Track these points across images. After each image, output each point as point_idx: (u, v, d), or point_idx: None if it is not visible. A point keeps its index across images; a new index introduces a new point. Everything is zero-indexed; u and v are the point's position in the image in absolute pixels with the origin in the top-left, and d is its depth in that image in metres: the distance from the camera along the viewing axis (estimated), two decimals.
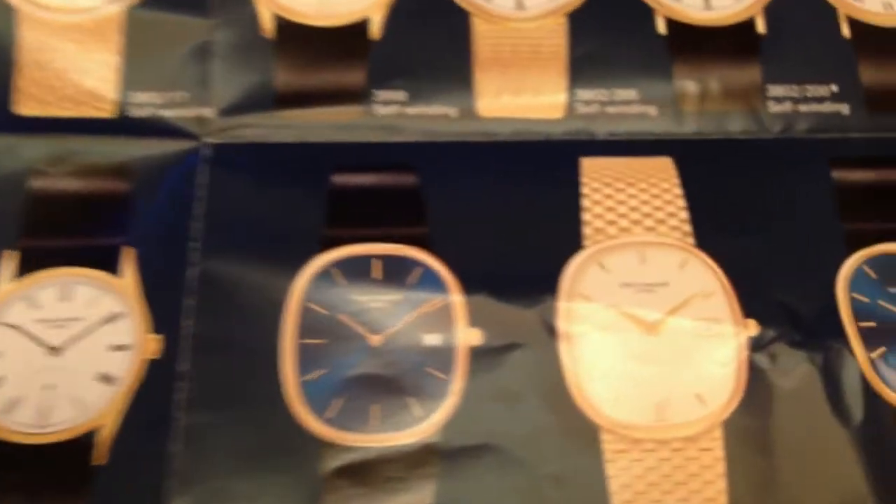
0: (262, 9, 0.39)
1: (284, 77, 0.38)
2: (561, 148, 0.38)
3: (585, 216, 0.36)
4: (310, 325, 0.34)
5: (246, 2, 0.39)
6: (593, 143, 0.38)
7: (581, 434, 0.32)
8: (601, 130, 0.38)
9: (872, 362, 0.33)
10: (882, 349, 0.33)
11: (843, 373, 0.33)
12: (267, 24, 0.39)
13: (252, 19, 0.39)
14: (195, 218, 0.36)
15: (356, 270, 0.35)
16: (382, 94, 0.38)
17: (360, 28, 0.39)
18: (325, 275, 0.34)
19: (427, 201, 0.36)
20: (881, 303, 0.34)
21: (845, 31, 0.39)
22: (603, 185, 0.37)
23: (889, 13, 0.40)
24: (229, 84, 0.38)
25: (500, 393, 0.33)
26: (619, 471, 0.32)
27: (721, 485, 0.32)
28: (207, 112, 0.38)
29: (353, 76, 0.38)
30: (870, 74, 0.39)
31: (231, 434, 0.32)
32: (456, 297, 0.34)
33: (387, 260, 0.35)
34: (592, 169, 0.37)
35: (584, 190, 0.36)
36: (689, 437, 0.32)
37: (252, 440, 0.32)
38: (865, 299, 0.34)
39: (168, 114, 0.38)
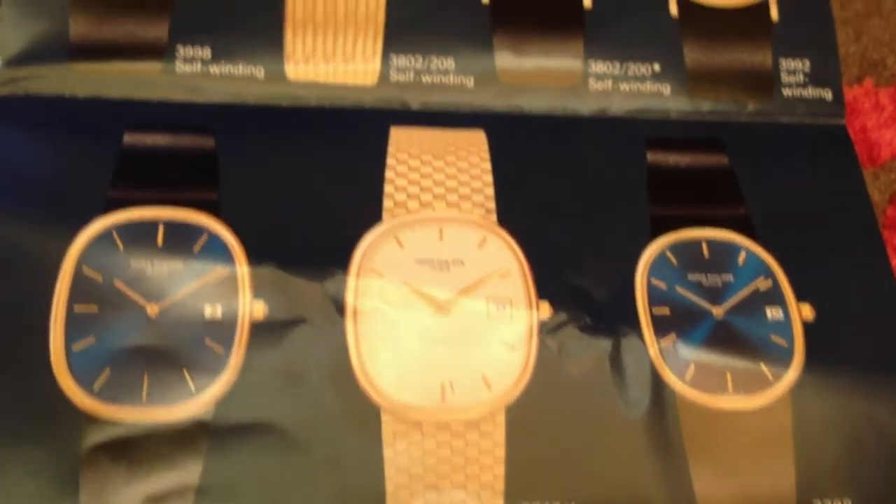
0: None
1: (80, 26, 0.36)
2: (371, 117, 0.36)
3: (387, 188, 0.34)
4: (83, 290, 0.32)
5: None
6: (406, 113, 0.36)
7: (361, 415, 0.31)
8: (415, 100, 0.37)
9: (661, 350, 0.32)
10: (672, 336, 0.32)
11: (631, 360, 0.32)
12: None
13: None
14: None
15: (138, 235, 0.33)
16: (185, 51, 0.36)
17: None
18: (104, 238, 0.32)
19: (222, 166, 0.34)
20: (679, 289, 0.33)
21: (673, 9, 0.39)
22: (410, 156, 0.35)
23: None
24: (17, 31, 0.35)
25: (281, 370, 0.31)
26: (397, 454, 0.31)
27: (499, 470, 0.31)
28: None
29: (155, 29, 0.36)
30: (693, 55, 0.38)
31: None
32: (241, 268, 0.32)
33: (171, 225, 0.33)
34: (401, 139, 0.36)
35: (390, 161, 0.35)
36: (470, 420, 0.31)
37: (11, 409, 0.30)
38: (663, 285, 0.33)
39: None
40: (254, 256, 0.33)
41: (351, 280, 0.33)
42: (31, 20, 0.36)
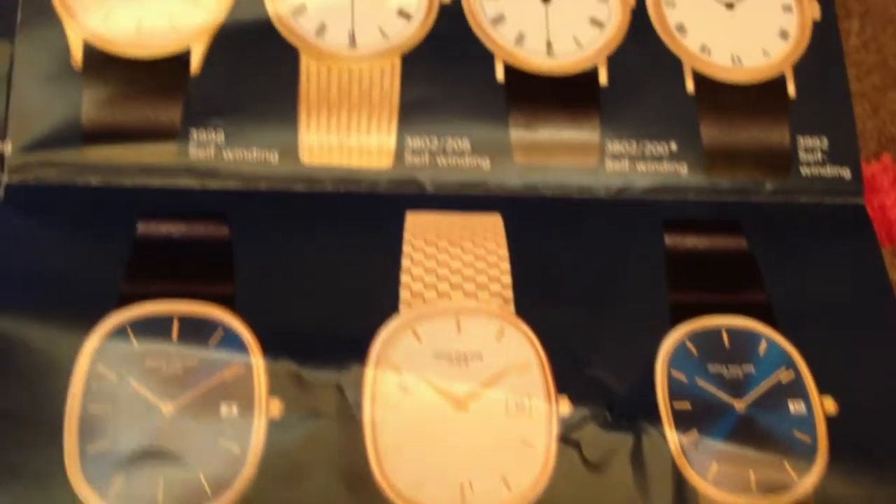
0: (72, 35, 0.36)
1: (93, 111, 0.35)
2: (386, 201, 0.36)
3: (404, 278, 0.34)
4: (97, 390, 0.31)
5: (53, 26, 0.36)
6: (421, 197, 0.36)
7: None
8: (431, 183, 0.36)
9: (683, 447, 0.32)
10: (694, 433, 0.32)
11: (652, 457, 0.32)
12: (76, 53, 0.36)
13: (59, 46, 0.36)
14: None
15: (153, 331, 0.32)
16: (198, 134, 0.36)
17: (179, 60, 0.36)
18: (118, 334, 0.32)
19: (237, 256, 0.34)
20: (700, 382, 0.33)
21: (689, 85, 0.38)
22: (426, 243, 0.35)
23: (737, 68, 0.39)
24: (31, 117, 0.35)
25: (296, 468, 0.31)
26: None
27: None
28: (5, 147, 0.35)
29: (168, 113, 0.36)
30: (710, 133, 0.38)
31: None
32: (257, 363, 0.32)
33: (186, 320, 0.32)
34: (417, 226, 0.35)
35: (406, 248, 0.35)
36: None
37: None
38: (684, 378, 0.33)
39: None
40: (269, 351, 0.32)
41: (368, 375, 0.32)
42: (45, 106, 0.35)
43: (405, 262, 0.34)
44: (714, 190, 0.37)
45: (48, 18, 0.36)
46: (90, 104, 0.35)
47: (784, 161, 0.38)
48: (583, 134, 0.37)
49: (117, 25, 0.36)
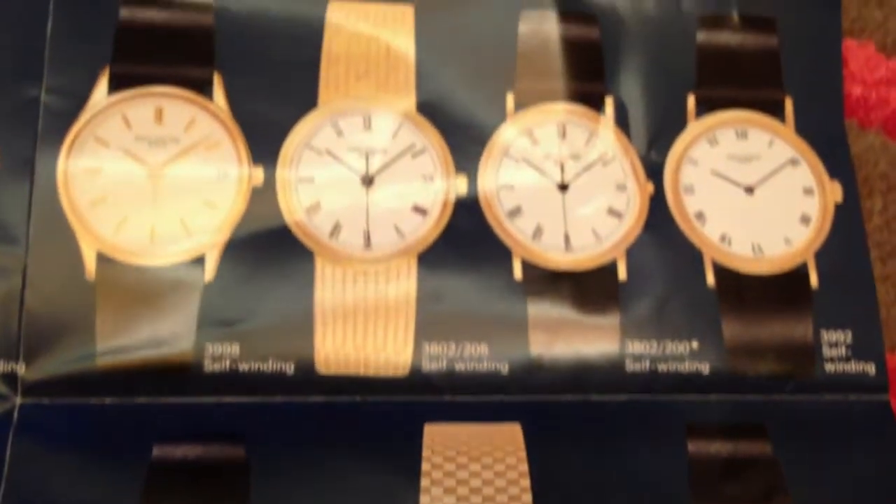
0: (85, 246, 0.35)
1: (107, 326, 0.35)
2: (404, 411, 0.35)
3: (423, 499, 0.33)
4: None
5: (66, 238, 0.35)
6: (439, 406, 0.36)
7: None
8: (448, 391, 0.36)
9: None
10: None
11: None
12: (89, 264, 0.35)
13: (72, 258, 0.35)
14: None
15: None
16: (213, 348, 0.35)
17: (193, 268, 0.36)
18: None
19: (253, 477, 0.33)
20: None
21: (710, 279, 0.38)
22: (445, 460, 0.34)
23: (758, 258, 0.38)
24: (44, 335, 0.35)
25: None
26: None
27: None
28: (18, 367, 0.34)
29: (182, 325, 0.35)
30: (732, 330, 0.37)
31: None
32: None
33: None
34: (435, 439, 0.35)
35: (425, 467, 0.34)
36: None
37: None
38: None
39: None
40: None
41: None
42: (58, 322, 0.35)
43: (424, 482, 0.34)
44: (737, 390, 0.37)
45: (61, 230, 0.35)
46: (104, 317, 0.35)
47: (807, 357, 0.37)
48: (602, 336, 0.37)
49: (131, 234, 0.36)
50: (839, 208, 0.39)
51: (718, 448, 0.36)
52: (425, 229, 0.37)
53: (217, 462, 0.34)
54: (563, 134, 0.39)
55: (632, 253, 0.38)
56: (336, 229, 0.37)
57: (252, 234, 0.36)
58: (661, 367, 0.36)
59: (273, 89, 0.38)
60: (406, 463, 0.34)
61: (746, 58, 0.40)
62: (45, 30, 0.37)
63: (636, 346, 0.37)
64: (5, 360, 0.34)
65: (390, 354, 0.36)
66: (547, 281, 0.37)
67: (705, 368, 0.37)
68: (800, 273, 0.38)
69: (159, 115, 0.37)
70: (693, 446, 0.35)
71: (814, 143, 0.39)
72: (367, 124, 0.38)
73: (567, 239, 0.38)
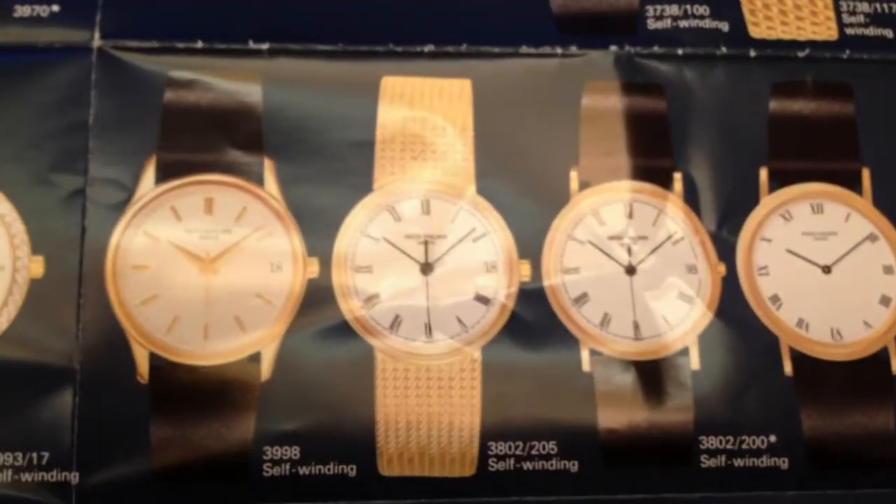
0: (137, 347, 0.34)
1: (161, 431, 0.34)
2: None
3: None
4: None
5: (118, 341, 0.34)
6: None
7: None
8: (515, 492, 0.34)
9: None
10: None
11: None
12: (142, 366, 0.34)
13: (125, 361, 0.34)
14: None
15: None
16: (272, 451, 0.34)
17: (249, 366, 0.34)
18: None
19: None
20: None
21: (787, 367, 0.36)
22: None
23: (837, 344, 0.36)
24: (98, 444, 0.33)
25: None
26: None
27: None
28: (71, 476, 0.33)
29: (240, 428, 0.34)
30: (812, 423, 0.35)
31: None
32: None
33: None
34: None
35: None
36: None
37: None
38: None
39: (27, 478, 0.33)
40: None
41: None
42: (112, 430, 0.33)
43: None
44: (817, 485, 0.35)
45: (112, 332, 0.34)
46: (158, 422, 0.34)
47: (889, 448, 0.35)
48: (675, 429, 0.35)
49: (184, 334, 0.34)
50: None
51: None
52: (489, 320, 0.35)
53: None
54: (630, 213, 0.37)
55: (704, 339, 0.36)
56: (396, 322, 0.35)
57: (309, 329, 0.35)
58: (738, 463, 0.35)
59: (325, 173, 0.36)
60: None
61: (821, 127, 0.38)
62: (87, 118, 0.35)
63: (711, 441, 0.35)
64: (59, 470, 0.33)
65: (455, 454, 0.34)
66: (617, 371, 0.35)
67: (784, 464, 0.35)
68: (880, 358, 0.36)
69: (209, 205, 0.35)
70: None
71: (893, 218, 0.38)
72: (426, 209, 0.36)
73: (636, 327, 0.36)
